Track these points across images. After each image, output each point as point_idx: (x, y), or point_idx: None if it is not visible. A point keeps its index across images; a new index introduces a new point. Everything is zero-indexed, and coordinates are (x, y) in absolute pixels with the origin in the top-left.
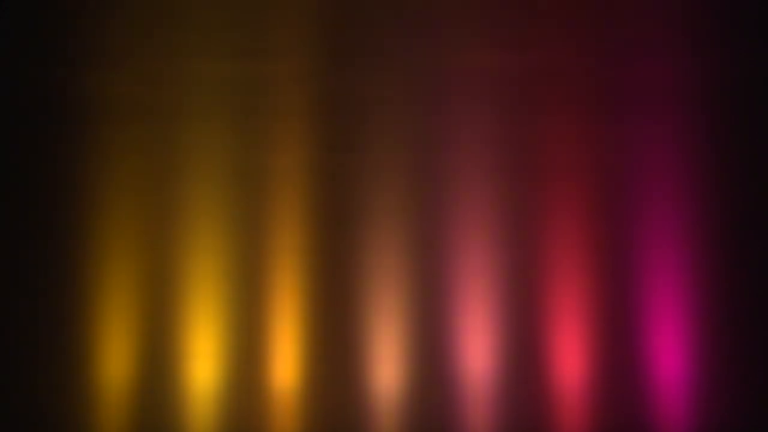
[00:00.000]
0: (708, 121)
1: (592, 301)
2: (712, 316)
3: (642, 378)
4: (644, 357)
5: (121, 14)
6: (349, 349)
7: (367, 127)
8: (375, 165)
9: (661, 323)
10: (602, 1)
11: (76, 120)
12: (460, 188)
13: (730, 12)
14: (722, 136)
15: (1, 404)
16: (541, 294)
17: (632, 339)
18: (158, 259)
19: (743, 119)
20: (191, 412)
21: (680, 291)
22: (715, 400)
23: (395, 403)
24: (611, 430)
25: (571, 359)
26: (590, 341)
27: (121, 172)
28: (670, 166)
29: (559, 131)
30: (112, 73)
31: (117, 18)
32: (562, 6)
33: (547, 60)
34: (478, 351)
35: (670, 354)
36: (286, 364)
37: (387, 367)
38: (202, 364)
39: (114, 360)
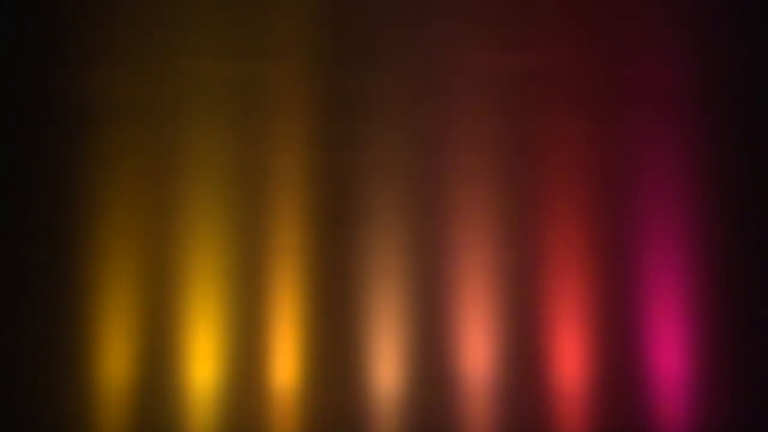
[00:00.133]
0: (708, 121)
1: (593, 301)
2: (712, 316)
3: (642, 378)
4: (644, 357)
5: (121, 14)
6: (348, 349)
7: (367, 127)
8: (375, 165)
9: (661, 323)
10: (602, 1)
11: (76, 120)
12: (460, 188)
13: (730, 12)
14: (723, 136)
15: (1, 404)
16: (541, 294)
17: (632, 339)
18: (158, 259)
19: (744, 119)
20: (191, 412)
21: (680, 291)
22: (715, 400)
23: (395, 403)
24: (611, 430)
25: (571, 359)
26: (590, 341)
27: (121, 172)
28: (671, 166)
29: (559, 131)
30: (112, 73)
31: (117, 18)
32: (562, 6)
33: (547, 60)
34: (477, 351)
35: (670, 354)
36: (286, 364)
37: (387, 367)
38: (202, 364)
39: (114, 360)
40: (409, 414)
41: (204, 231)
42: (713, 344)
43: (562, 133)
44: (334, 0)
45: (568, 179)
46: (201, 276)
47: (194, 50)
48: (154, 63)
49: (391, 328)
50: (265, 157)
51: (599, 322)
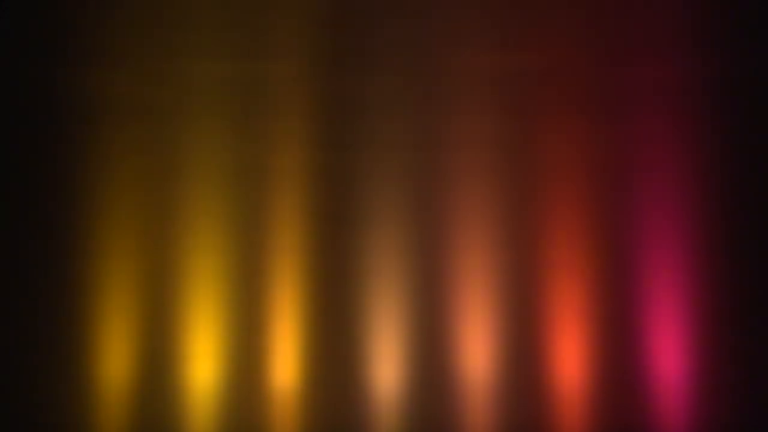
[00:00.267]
0: (708, 121)
1: (592, 302)
2: (712, 316)
3: (642, 378)
4: (644, 357)
5: (121, 14)
6: (348, 349)
7: (367, 127)
8: (375, 165)
9: (661, 323)
10: (602, 1)
11: (76, 120)
12: (461, 188)
13: (730, 12)
14: (723, 136)
15: (1, 404)
16: (540, 294)
17: (632, 339)
18: (158, 259)
19: (744, 119)
20: (191, 412)
21: (680, 291)
22: (715, 400)
23: (395, 403)
24: (611, 430)
25: (570, 360)
26: (590, 342)
27: (121, 172)
28: (671, 166)
29: (559, 131)
30: (112, 73)
31: (117, 18)
32: (562, 6)
33: (547, 60)
34: (477, 351)
35: (670, 354)
36: (286, 364)
37: (386, 367)
38: (202, 364)
39: (114, 360)
40: (409, 414)
41: (204, 231)
42: (713, 344)
43: (562, 132)
44: (334, 0)
45: (568, 179)
46: (201, 276)
47: (194, 50)
48: (154, 63)
49: (391, 328)
50: (265, 157)
51: (599, 322)
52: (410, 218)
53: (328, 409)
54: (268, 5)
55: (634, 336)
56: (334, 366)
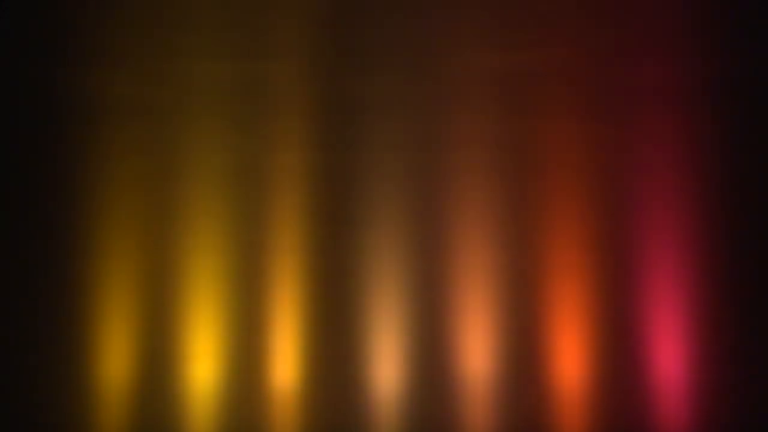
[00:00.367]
0: (709, 121)
1: (592, 302)
2: (712, 317)
3: (642, 378)
4: (644, 357)
5: (121, 14)
6: (348, 350)
7: (367, 127)
8: (375, 165)
9: (661, 323)
10: (602, 1)
11: (76, 120)
12: (461, 188)
13: (730, 12)
14: (722, 136)
15: (1, 404)
16: (540, 294)
17: (632, 339)
18: (158, 259)
19: (744, 119)
20: (191, 412)
21: (680, 291)
22: (715, 400)
23: (395, 404)
24: (611, 431)
25: (570, 360)
26: (590, 341)
27: (121, 172)
28: (670, 166)
29: (559, 131)
30: (112, 73)
31: (117, 18)
32: (563, 6)
33: (547, 60)
34: (477, 351)
35: (670, 354)
36: (286, 364)
37: (386, 367)
38: (202, 364)
39: (114, 360)
40: (409, 414)
41: (204, 231)
42: (713, 344)
43: (563, 132)
44: (334, 0)
45: (568, 179)
46: (201, 276)
47: (194, 50)
48: (154, 63)
49: (391, 328)
50: (265, 157)
51: (599, 322)
52: (410, 218)
53: (328, 409)
54: (268, 5)
55: (634, 336)
56: (334, 366)
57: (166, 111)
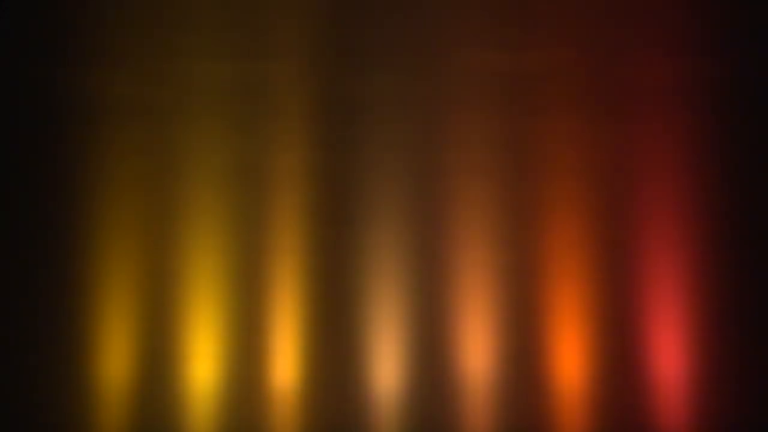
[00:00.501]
0: (709, 121)
1: (592, 302)
2: (712, 317)
3: (642, 378)
4: (644, 357)
5: (121, 14)
6: (348, 349)
7: (367, 127)
8: (375, 165)
9: (661, 323)
10: (603, 1)
11: (76, 120)
12: (461, 188)
13: (731, 12)
14: (723, 135)
15: (1, 404)
16: (540, 294)
17: (632, 339)
18: (158, 259)
19: (744, 119)
20: (191, 412)
21: (680, 291)
22: (715, 400)
23: (395, 403)
24: (611, 430)
25: (570, 359)
26: (590, 341)
27: (121, 172)
28: (670, 166)
29: (559, 131)
30: (112, 73)
31: (117, 18)
32: (563, 6)
33: (547, 60)
34: (477, 351)
35: (670, 354)
36: (286, 364)
37: (386, 367)
38: (202, 364)
39: (114, 360)
40: (409, 414)
41: (204, 231)
42: (713, 344)
43: (563, 132)
44: (334, 0)
45: (568, 179)
46: (201, 276)
47: (194, 50)
48: (154, 63)
49: (391, 328)
50: (265, 157)
51: (599, 322)
52: (410, 218)
53: (328, 409)
54: (268, 5)
55: (634, 336)
56: (334, 366)
57: (166, 111)
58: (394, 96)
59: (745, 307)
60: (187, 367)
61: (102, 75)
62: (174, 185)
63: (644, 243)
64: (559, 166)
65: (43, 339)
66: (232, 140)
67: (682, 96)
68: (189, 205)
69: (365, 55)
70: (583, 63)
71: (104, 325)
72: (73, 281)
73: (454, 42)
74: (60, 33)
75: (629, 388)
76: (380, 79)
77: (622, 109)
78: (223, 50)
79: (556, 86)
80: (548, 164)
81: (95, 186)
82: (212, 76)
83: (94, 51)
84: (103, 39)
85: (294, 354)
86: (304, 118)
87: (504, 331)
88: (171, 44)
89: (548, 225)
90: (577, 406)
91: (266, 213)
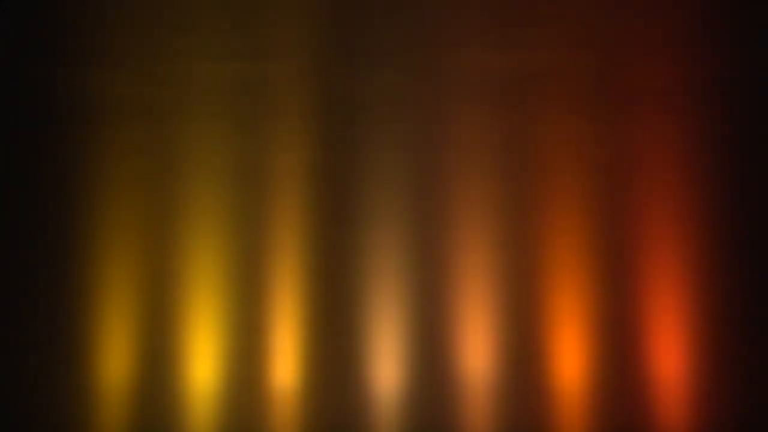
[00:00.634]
0: (709, 120)
1: (592, 302)
2: (712, 317)
3: (642, 379)
4: (644, 358)
5: (121, 14)
6: (348, 349)
7: (367, 127)
8: (375, 165)
9: (661, 324)
10: (602, 1)
11: (76, 120)
12: (461, 188)
13: (731, 12)
14: (723, 136)
15: (1, 404)
16: (540, 294)
17: (632, 340)
18: (158, 259)
19: (744, 119)
20: (191, 412)
21: (680, 291)
22: (716, 402)
23: (395, 403)
24: (611, 431)
25: (571, 360)
26: (590, 342)
27: (121, 172)
28: (670, 166)
29: (558, 131)
30: (112, 73)
31: (117, 18)
32: (563, 6)
33: (548, 60)
34: (477, 351)
35: (670, 354)
36: (286, 364)
37: (387, 367)
38: (202, 364)
39: (114, 360)
40: (409, 413)
41: (204, 231)
42: (713, 345)
43: (562, 132)
44: (334, 0)
45: (568, 179)
46: (201, 276)
47: (194, 51)
48: (154, 63)
49: (391, 328)
50: (265, 157)
51: (599, 322)
52: (410, 218)
53: (328, 409)
54: (268, 5)
55: (634, 336)
56: (334, 366)
57: (166, 111)
58: (394, 96)
59: (745, 307)
60: (187, 367)
61: (102, 75)
62: (174, 185)
63: (645, 243)
64: (560, 166)
65: (43, 339)
66: (232, 140)
67: (682, 96)
68: (189, 205)
69: (365, 55)
70: (584, 63)
71: (104, 325)
72: (73, 281)
73: (454, 42)
74: (60, 33)
75: (629, 388)
76: (380, 79)
77: (622, 109)
78: (223, 50)
79: (556, 86)
80: (548, 164)
81: (95, 186)
82: (212, 76)
83: (94, 51)
84: (103, 39)
85: (294, 354)
86: (304, 118)
87: (504, 330)
88: (171, 44)
89: (548, 225)
90: (577, 406)
91: (266, 213)
